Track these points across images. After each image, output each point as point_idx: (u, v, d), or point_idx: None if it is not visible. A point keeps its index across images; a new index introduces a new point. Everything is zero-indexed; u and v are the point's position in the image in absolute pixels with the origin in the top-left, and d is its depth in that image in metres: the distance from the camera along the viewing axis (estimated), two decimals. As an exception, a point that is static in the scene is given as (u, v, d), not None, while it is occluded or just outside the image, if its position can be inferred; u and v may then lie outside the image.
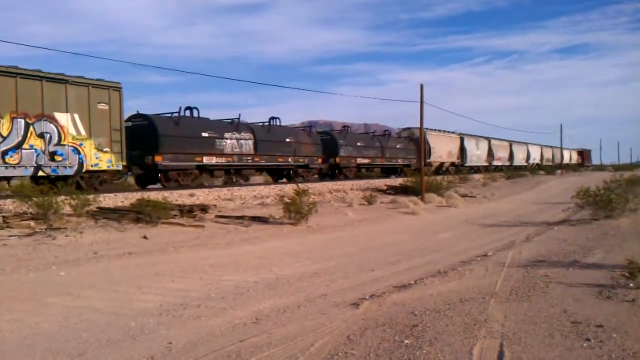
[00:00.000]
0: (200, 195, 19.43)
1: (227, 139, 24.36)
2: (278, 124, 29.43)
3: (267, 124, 28.44)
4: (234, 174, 26.11)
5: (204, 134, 23.31)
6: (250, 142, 25.70)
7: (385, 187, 28.58)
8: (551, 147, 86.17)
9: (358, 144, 35.52)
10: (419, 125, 41.77)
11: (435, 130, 46.53)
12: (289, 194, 17.21)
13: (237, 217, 15.72)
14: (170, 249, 11.42)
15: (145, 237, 12.33)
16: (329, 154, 32.31)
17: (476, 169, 53.20)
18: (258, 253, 11.24)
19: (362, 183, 29.85)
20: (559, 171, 66.65)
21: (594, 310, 6.21)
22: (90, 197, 14.54)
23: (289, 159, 28.35)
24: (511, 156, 65.03)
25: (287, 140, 28.43)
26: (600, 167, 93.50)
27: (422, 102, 25.74)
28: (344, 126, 36.56)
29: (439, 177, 31.24)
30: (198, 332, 5.92)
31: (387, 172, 39.86)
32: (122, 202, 16.23)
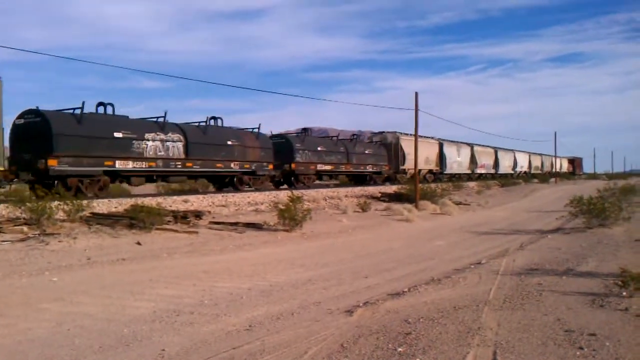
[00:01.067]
0: (195, 202, 19.40)
1: (148, 140, 20.86)
2: (220, 124, 26.23)
3: (203, 124, 25.12)
4: (160, 181, 23.52)
5: (117, 134, 19.87)
6: (180, 145, 22.19)
7: (380, 194, 28.60)
8: (540, 154, 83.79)
9: (319, 148, 32.19)
10: (398, 130, 40.41)
11: (410, 135, 41.54)
12: (284, 201, 17.20)
13: (231, 224, 15.70)
14: (164, 255, 11.39)
15: (138, 243, 12.30)
16: (283, 159, 29.26)
17: (457, 177, 50.16)
18: (252, 260, 11.22)
19: (352, 191, 29.78)
20: (552, 179, 66.85)
21: (587, 318, 6.23)
22: (84, 202, 14.50)
23: (231, 165, 25.05)
24: (496, 164, 62.41)
25: (229, 143, 25.09)
26: (594, 176, 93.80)
27: (416, 109, 25.84)
28: (303, 129, 33.41)
29: (432, 185, 31.21)
30: (191, 338, 5.91)
31: (356, 179, 37.11)
32: (115, 207, 16.19)
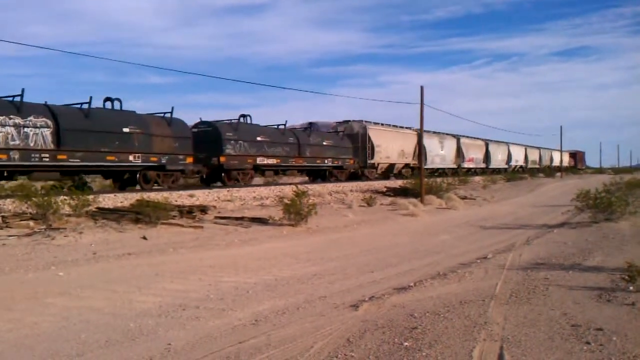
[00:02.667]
0: (200, 196, 19.42)
1: None
2: (119, 107, 20.82)
3: (87, 106, 19.19)
4: (18, 177, 18.86)
5: None
6: (47, 132, 17.51)
7: (385, 189, 28.56)
8: (538, 147, 78.85)
9: (258, 138, 26.91)
10: (362, 121, 36.55)
11: (381, 124, 39.58)
12: (289, 195, 17.19)
13: (237, 218, 15.71)
14: (170, 249, 11.41)
15: (144, 238, 12.32)
16: (211, 151, 24.37)
17: (440, 173, 44.88)
18: (257, 254, 11.22)
19: (357, 185, 29.74)
20: (558, 174, 66.54)
21: (594, 313, 6.20)
22: (90, 197, 14.53)
23: (130, 157, 20.10)
24: (487, 157, 57.78)
25: (126, 130, 20.03)
26: (600, 170, 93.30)
27: (422, 103, 25.75)
28: (241, 115, 27.42)
29: (438, 179, 31.04)
30: (197, 333, 5.91)
31: (313, 175, 33.39)
32: (121, 202, 16.22)
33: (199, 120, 25.93)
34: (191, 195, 19.13)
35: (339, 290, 8.10)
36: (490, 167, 58.24)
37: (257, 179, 29.32)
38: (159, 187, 21.11)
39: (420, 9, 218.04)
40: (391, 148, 38.81)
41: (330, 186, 27.37)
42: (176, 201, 17.32)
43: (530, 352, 4.98)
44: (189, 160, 22.93)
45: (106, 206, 15.30)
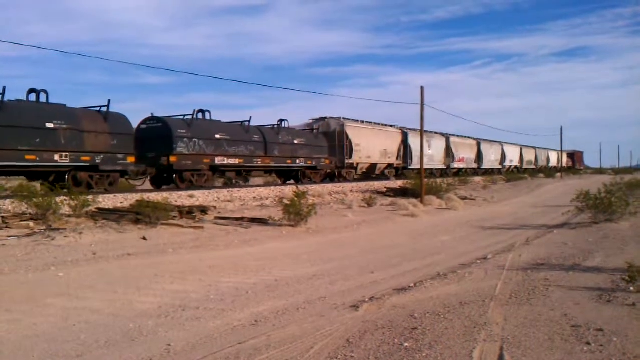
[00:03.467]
0: (200, 197, 19.43)
1: None
2: (45, 100, 18.67)
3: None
4: None
5: None
6: None
7: (385, 189, 28.56)
8: (534, 147, 76.59)
9: (217, 136, 24.44)
10: (339, 119, 34.28)
11: (361, 122, 37.22)
12: (289, 196, 17.19)
13: (237, 219, 15.70)
14: (170, 250, 11.40)
15: (144, 238, 12.31)
16: (159, 150, 22.05)
17: (428, 174, 41.56)
18: (257, 255, 11.22)
19: (357, 186, 29.71)
20: (558, 174, 66.52)
21: (594, 314, 6.19)
22: (90, 197, 14.53)
23: (55, 157, 17.84)
24: (479, 157, 55.63)
25: (50, 126, 17.74)
26: (600, 171, 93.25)
27: (422, 104, 25.74)
28: (199, 110, 24.92)
29: (438, 180, 30.99)
30: (197, 334, 5.91)
31: (284, 176, 30.80)
32: (121, 203, 16.23)
33: (148, 116, 23.57)
34: (191, 196, 19.14)
35: (339, 290, 8.09)
36: (483, 167, 56.36)
37: (248, 184, 28.56)
38: (99, 191, 18.58)
39: (419, 9, 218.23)
40: (372, 147, 36.66)
41: (330, 186, 27.38)
42: (176, 202, 17.33)
43: (530, 352, 4.97)
44: (130, 159, 20.52)
45: (106, 207, 15.31)
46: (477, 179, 44.58)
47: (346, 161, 33.72)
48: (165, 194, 17.88)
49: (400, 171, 40.39)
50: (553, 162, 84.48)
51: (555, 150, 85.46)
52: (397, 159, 39.92)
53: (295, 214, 15.47)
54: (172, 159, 22.10)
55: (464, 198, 27.51)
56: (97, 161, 19.18)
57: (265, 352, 5.19)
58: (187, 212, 15.41)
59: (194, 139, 23.15)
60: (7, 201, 14.96)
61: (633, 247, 11.47)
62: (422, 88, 25.80)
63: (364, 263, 10.50)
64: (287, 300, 7.47)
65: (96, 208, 14.64)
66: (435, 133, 47.18)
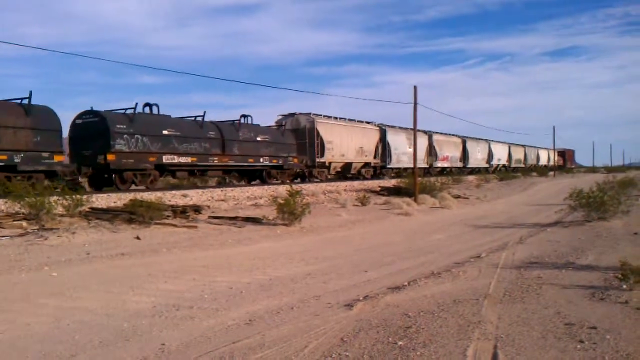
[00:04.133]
0: (194, 196, 19.39)
1: None
2: None
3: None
4: None
5: None
6: None
7: (379, 188, 28.60)
8: (523, 145, 75.02)
9: (164, 132, 22.36)
10: (314, 116, 32.01)
11: (334, 118, 35.33)
12: (283, 195, 17.18)
13: (231, 218, 15.69)
14: (163, 249, 11.38)
15: (138, 238, 12.28)
16: (96, 148, 19.99)
17: (449, 170, 43.84)
18: (251, 254, 11.21)
19: (356, 184, 29.69)
20: (551, 173, 66.75)
21: (588, 312, 6.23)
22: (83, 197, 14.47)
23: None
24: (465, 156, 53.85)
25: None
26: (593, 169, 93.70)
27: (415, 103, 25.81)
28: (145, 104, 22.92)
29: (432, 179, 31.02)
30: (191, 333, 5.89)
31: (246, 175, 28.55)
32: (115, 202, 16.17)
33: (86, 110, 21.23)
34: (184, 195, 19.11)
35: (333, 289, 8.10)
36: (469, 166, 54.45)
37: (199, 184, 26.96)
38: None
39: (412, 9, 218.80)
40: (346, 145, 34.72)
41: (323, 185, 27.35)
42: (170, 201, 17.29)
43: (524, 350, 4.99)
44: (58, 158, 18.54)
45: (99, 206, 15.25)
46: (470, 177, 44.59)
47: (317, 160, 31.71)
48: (159, 194, 17.83)
49: (378, 170, 38.73)
50: (543, 160, 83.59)
51: (545, 148, 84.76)
52: (374, 157, 38.00)
53: (289, 213, 15.47)
54: (110, 157, 19.97)
55: (457, 197, 27.59)
56: (15, 160, 17.23)
57: (259, 351, 5.19)
58: (181, 212, 15.38)
59: (136, 136, 21.06)
60: (0, 201, 14.87)
61: (625, 245, 11.53)
62: (415, 87, 25.90)
63: (358, 262, 10.51)
64: (281, 299, 7.46)
65: (89, 208, 14.59)
66: (417, 130, 44.49)
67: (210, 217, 15.80)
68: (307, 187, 24.62)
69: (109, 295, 7.59)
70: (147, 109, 23.07)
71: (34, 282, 8.28)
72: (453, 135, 52.74)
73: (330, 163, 33.17)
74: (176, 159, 22.78)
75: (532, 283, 7.90)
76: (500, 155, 64.53)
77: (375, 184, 30.77)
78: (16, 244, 10.99)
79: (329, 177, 34.66)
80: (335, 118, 35.95)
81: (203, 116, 25.00)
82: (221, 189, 22.24)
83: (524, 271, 8.89)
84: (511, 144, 69.84)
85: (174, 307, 7.03)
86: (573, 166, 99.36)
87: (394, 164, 39.61)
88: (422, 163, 43.40)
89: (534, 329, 5.62)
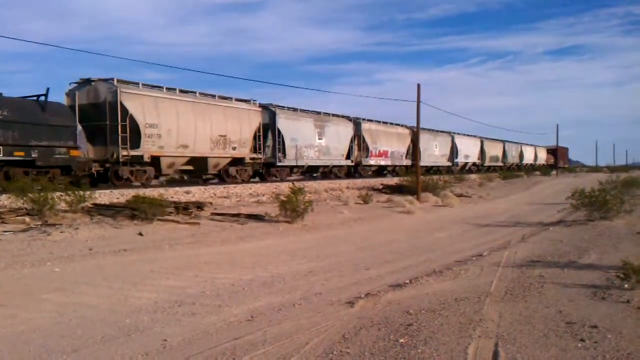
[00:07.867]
0: (196, 193, 19.40)
1: None
2: None
3: None
4: None
5: None
6: None
7: (381, 186, 28.59)
8: (502, 141, 63.42)
9: None
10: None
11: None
12: (285, 192, 17.19)
13: (233, 215, 15.70)
14: (166, 246, 11.40)
15: (140, 234, 12.30)
16: None
17: (391, 170, 36.63)
18: (253, 251, 11.22)
19: (353, 182, 29.68)
20: (554, 172, 66.55)
21: (589, 311, 6.22)
22: (86, 193, 14.49)
23: None
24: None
25: None
26: (596, 169, 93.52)
27: (418, 101, 25.73)
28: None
29: (435, 177, 30.95)
30: (193, 329, 5.91)
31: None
32: (117, 198, 16.19)
33: None
34: (187, 192, 19.12)
35: (335, 287, 8.10)
36: (422, 164, 34.17)
37: None
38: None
39: (415, 7, 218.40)
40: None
41: (326, 183, 27.35)
42: (172, 197, 17.30)
43: (525, 349, 5.00)
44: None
45: (102, 202, 15.28)
46: (473, 176, 44.51)
47: (131, 153, 19.52)
48: (161, 190, 17.84)
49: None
50: (529, 158, 73.00)
51: (531, 145, 75.57)
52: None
53: (292, 210, 15.48)
54: None
55: (459, 195, 27.57)
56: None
57: (261, 348, 5.20)
58: (184, 208, 15.39)
59: None
60: (3, 196, 14.90)
61: (628, 244, 11.51)
62: (418, 86, 25.77)
63: (360, 259, 10.51)
64: (283, 296, 7.47)
65: (92, 204, 14.61)
66: (397, 125, 39.00)
67: (212, 213, 15.81)
68: (310, 184, 24.61)
69: (112, 291, 7.61)
70: None
71: (37, 278, 8.30)
72: (396, 124, 39.95)
73: (156, 157, 20.60)
74: None
75: (533, 282, 7.90)
76: (469, 151, 52.77)
77: (377, 182, 30.73)
78: (19, 239, 11.02)
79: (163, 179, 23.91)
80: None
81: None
82: (224, 185, 22.27)
83: (525, 270, 8.88)
84: (485, 138, 57.47)
85: (176, 303, 7.05)
86: (566, 165, 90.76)
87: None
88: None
89: (535, 328, 5.62)
